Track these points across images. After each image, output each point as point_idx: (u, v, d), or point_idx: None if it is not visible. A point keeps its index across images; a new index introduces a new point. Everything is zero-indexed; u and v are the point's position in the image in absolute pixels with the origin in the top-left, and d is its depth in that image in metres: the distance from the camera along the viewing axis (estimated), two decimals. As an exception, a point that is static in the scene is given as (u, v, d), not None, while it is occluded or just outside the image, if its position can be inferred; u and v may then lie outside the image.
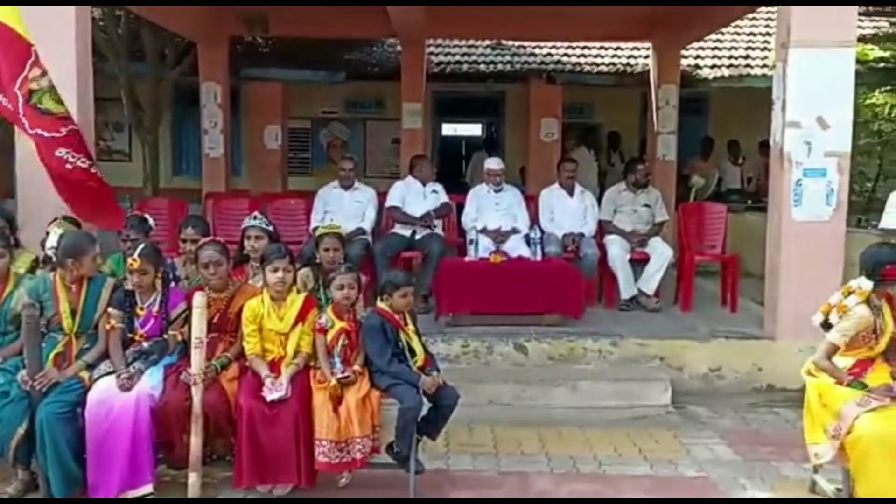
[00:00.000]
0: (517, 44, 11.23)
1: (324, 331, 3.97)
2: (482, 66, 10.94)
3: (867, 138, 8.93)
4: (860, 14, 7.53)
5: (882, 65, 7.58)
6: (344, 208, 6.87)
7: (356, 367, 3.93)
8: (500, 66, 10.96)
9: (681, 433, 4.90)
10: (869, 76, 7.59)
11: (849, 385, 3.72)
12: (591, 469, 4.34)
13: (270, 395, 3.74)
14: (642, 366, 5.71)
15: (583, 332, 5.88)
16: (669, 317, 6.55)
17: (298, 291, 4.15)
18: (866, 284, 3.77)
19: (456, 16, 8.57)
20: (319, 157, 12.29)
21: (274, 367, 3.92)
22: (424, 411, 3.96)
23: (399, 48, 10.08)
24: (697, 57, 10.85)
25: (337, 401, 3.78)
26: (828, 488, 3.87)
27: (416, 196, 6.92)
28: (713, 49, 11.09)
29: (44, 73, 4.57)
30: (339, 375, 3.83)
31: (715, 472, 4.29)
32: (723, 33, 11.18)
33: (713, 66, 10.75)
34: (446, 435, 4.60)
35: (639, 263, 6.80)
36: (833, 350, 3.82)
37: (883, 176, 9.27)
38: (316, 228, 5.76)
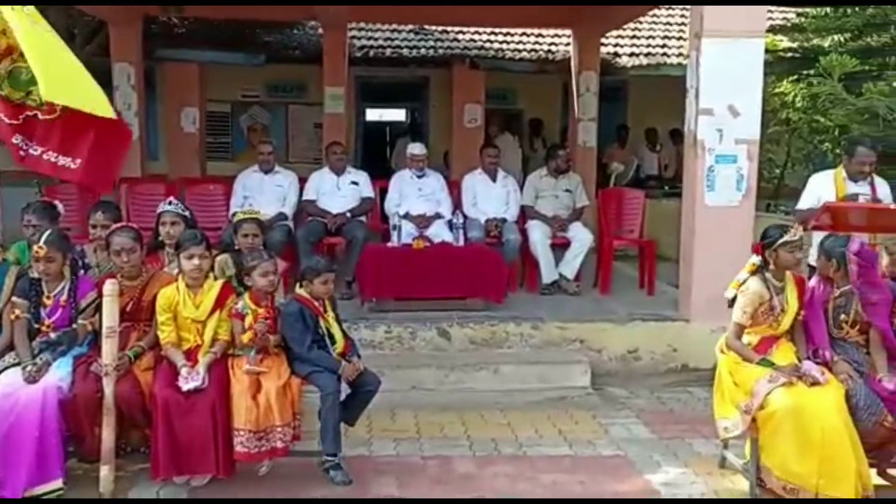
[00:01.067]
0: (440, 29, 11.20)
1: (240, 316, 3.90)
2: (405, 51, 10.85)
3: (776, 126, 9.26)
4: (770, 4, 7.81)
5: (790, 55, 7.86)
6: (264, 193, 6.75)
7: (271, 337, 3.90)
8: (423, 51, 10.89)
9: (599, 413, 5.02)
10: (778, 66, 7.85)
11: (758, 363, 3.87)
12: (512, 451, 4.41)
13: (186, 384, 3.65)
14: (563, 348, 5.80)
15: (505, 317, 5.94)
16: (589, 300, 6.66)
17: (216, 278, 4.06)
18: (755, 259, 3.97)
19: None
20: (240, 142, 12.01)
21: (191, 355, 3.84)
22: (343, 397, 3.94)
23: (321, 31, 9.92)
24: (616, 45, 11.02)
25: (256, 389, 3.73)
26: (736, 462, 4.02)
27: (331, 187, 6.85)
28: (632, 37, 11.29)
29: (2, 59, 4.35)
30: (248, 368, 3.78)
31: (632, 450, 4.41)
32: (641, 22, 11.38)
33: (631, 55, 10.95)
34: (369, 421, 4.62)
35: (560, 248, 6.89)
36: (740, 330, 3.98)
37: (791, 163, 9.65)
38: (235, 214, 5.64)
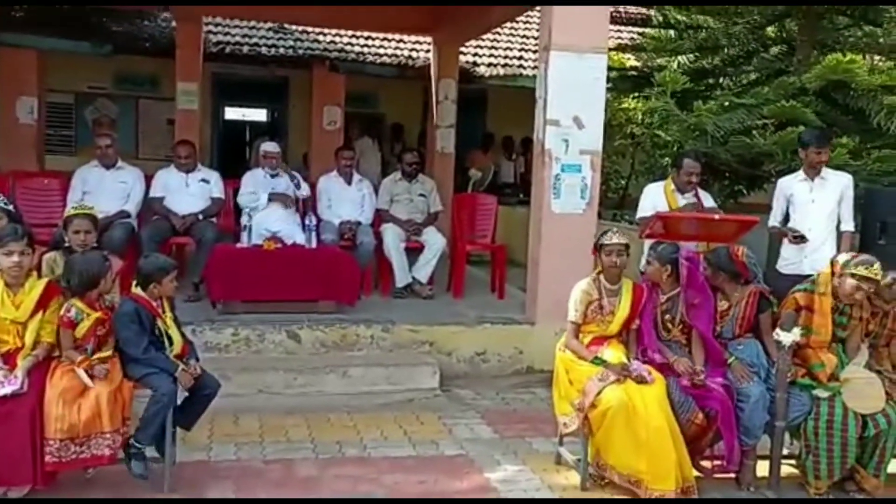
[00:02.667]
0: (300, 29, 11.05)
1: (72, 324, 3.66)
2: (263, 50, 10.63)
3: (621, 140, 9.76)
4: (619, 24, 8.23)
5: (634, 73, 8.31)
6: (105, 189, 6.40)
7: (102, 355, 3.69)
8: (282, 51, 10.71)
9: (445, 415, 5.09)
10: (624, 83, 8.28)
11: (592, 361, 4.05)
12: (356, 452, 4.40)
13: (3, 389, 3.41)
14: (413, 351, 5.85)
15: (356, 319, 5.92)
16: (442, 304, 6.76)
17: (40, 276, 3.81)
18: None
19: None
20: (85, 135, 11.35)
21: (9, 358, 3.58)
22: (180, 400, 3.81)
23: (174, 24, 9.56)
24: (476, 54, 11.27)
25: (80, 393, 3.52)
26: (570, 458, 4.19)
27: (179, 185, 6.61)
28: (490, 48, 11.57)
29: None
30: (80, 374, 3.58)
31: (474, 449, 4.50)
32: (499, 34, 11.70)
33: (490, 65, 11.22)
34: (211, 426, 4.50)
35: (414, 252, 6.97)
36: (575, 328, 4.17)
37: (635, 175, 10.18)
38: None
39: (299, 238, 6.35)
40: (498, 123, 12.27)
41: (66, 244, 4.31)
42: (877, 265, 4.01)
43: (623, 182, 10.48)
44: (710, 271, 4.31)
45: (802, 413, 3.99)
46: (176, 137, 8.80)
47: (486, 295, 7.19)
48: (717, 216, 5.41)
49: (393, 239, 6.83)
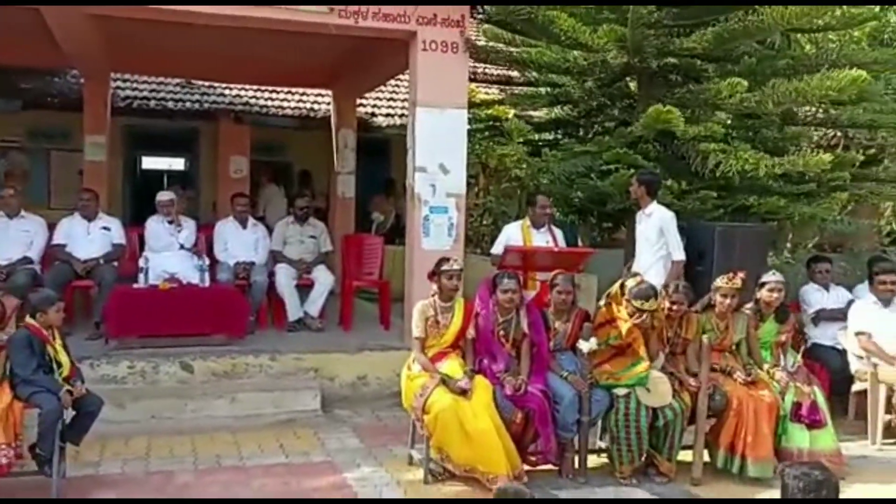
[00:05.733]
0: (207, 84, 11.66)
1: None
2: (170, 104, 11.19)
3: (507, 183, 10.61)
4: (487, 83, 9.13)
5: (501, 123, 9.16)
6: (9, 237, 6.88)
7: None
8: (188, 105, 11.28)
9: (321, 431, 5.68)
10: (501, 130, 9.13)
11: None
12: (233, 463, 4.95)
13: None
14: (298, 377, 6.44)
15: (245, 350, 6.50)
16: (331, 335, 7.37)
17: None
18: None
19: (140, 52, 8.81)
20: (-3, 188, 11.64)
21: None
22: (69, 419, 4.34)
23: (82, 80, 10.06)
24: (374, 106, 12.05)
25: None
26: (417, 457, 4.85)
27: (81, 233, 7.10)
28: (389, 99, 12.38)
29: None
30: None
31: (339, 457, 5.11)
32: (398, 87, 12.53)
33: (387, 115, 12.02)
34: (101, 447, 4.99)
35: (306, 289, 7.60)
36: (419, 343, 4.86)
37: (520, 215, 11.01)
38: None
39: (195, 278, 6.92)
40: (400, 170, 12.97)
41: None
42: (650, 302, 4.66)
43: (510, 222, 11.31)
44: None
45: (603, 410, 4.76)
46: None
47: (374, 327, 7.82)
48: (556, 248, 6.24)
49: (285, 277, 7.45)
